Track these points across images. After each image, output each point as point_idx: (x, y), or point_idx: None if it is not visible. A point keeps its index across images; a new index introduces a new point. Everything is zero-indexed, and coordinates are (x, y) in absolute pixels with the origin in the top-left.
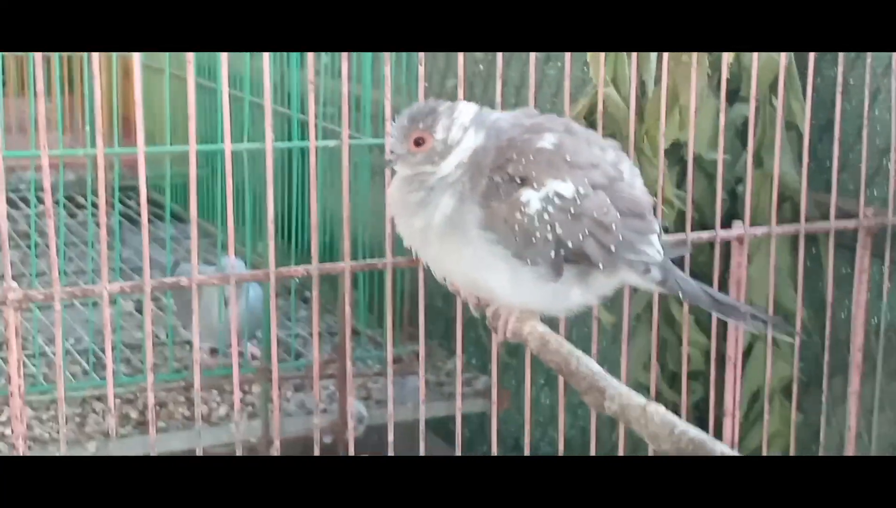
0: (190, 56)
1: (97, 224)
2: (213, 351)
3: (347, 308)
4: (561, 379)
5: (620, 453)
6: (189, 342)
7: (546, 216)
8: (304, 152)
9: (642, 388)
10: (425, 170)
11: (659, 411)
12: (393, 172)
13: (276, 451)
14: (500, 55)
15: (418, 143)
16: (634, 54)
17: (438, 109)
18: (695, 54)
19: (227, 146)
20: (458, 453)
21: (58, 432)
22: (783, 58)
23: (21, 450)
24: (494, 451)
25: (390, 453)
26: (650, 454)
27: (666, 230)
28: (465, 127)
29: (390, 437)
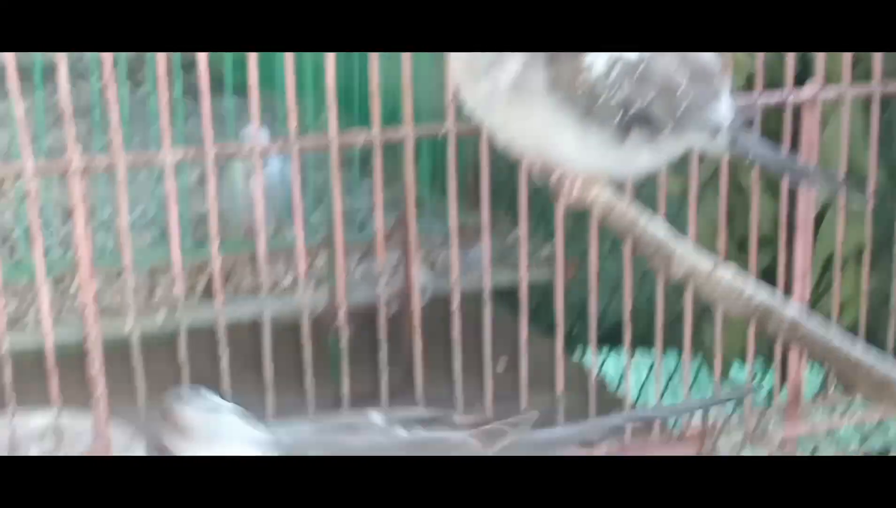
0: None
1: (159, 98)
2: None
3: (410, 177)
4: (627, 247)
5: (687, 321)
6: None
7: (612, 78)
8: None
9: (711, 254)
10: None
11: (727, 275)
12: None
13: (342, 320)
14: None
15: None
16: None
17: None
18: None
19: None
20: (524, 324)
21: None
22: None
23: (91, 318)
24: (560, 320)
25: (456, 322)
26: (718, 318)
27: (735, 92)
28: None
29: (455, 303)
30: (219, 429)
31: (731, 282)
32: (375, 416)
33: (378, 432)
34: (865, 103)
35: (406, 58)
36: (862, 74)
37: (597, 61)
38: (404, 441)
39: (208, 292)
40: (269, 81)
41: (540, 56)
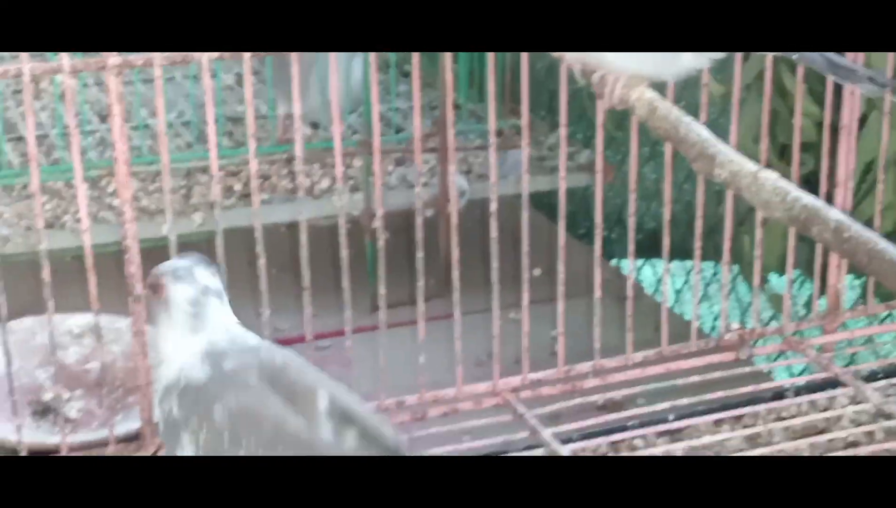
0: None
1: None
2: (314, 126)
3: (448, 79)
4: (667, 152)
5: (727, 226)
6: (290, 115)
7: None
8: None
9: (752, 159)
10: None
11: (771, 177)
12: None
13: (378, 222)
14: None
15: None
16: None
17: None
18: None
19: None
20: (561, 228)
21: (164, 202)
22: None
23: (129, 216)
24: (598, 225)
25: (493, 227)
26: (758, 221)
27: None
28: None
29: (493, 208)
30: (201, 312)
31: (776, 184)
32: (322, 404)
33: (305, 427)
34: None
35: None
36: None
37: None
38: (321, 447)
39: (245, 195)
40: None
41: None
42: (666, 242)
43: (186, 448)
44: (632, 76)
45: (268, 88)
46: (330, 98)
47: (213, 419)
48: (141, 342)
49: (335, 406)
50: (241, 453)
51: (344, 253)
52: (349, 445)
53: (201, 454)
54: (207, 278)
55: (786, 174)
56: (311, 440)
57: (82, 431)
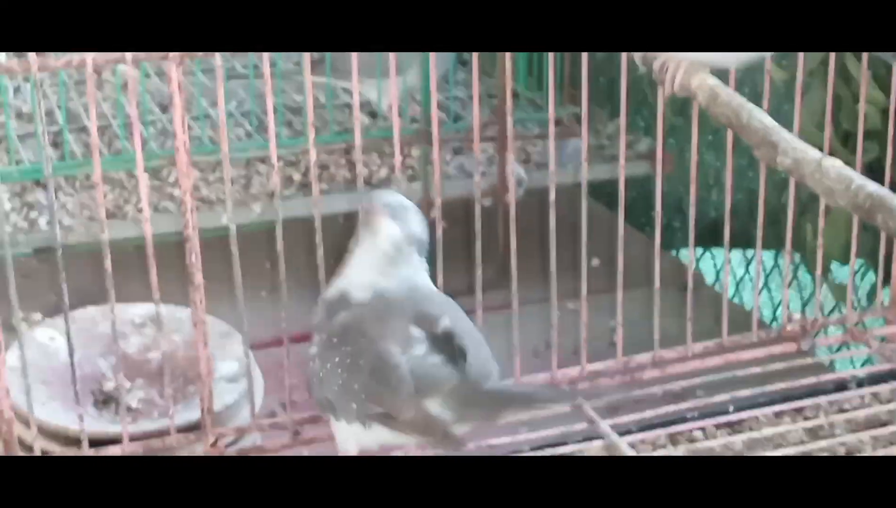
0: None
1: None
2: (373, 115)
3: (508, 66)
4: (728, 140)
5: (790, 215)
6: (349, 105)
7: None
8: None
9: (815, 147)
10: None
11: (835, 165)
12: None
13: (437, 212)
14: None
15: None
16: None
17: None
18: None
19: None
20: (621, 218)
21: (224, 192)
22: None
23: (189, 205)
24: (658, 214)
25: (552, 216)
26: (821, 210)
27: None
28: None
29: (552, 197)
30: (396, 257)
31: (840, 172)
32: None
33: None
34: None
35: None
36: None
37: None
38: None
39: (305, 185)
40: None
41: None
42: (727, 231)
43: (312, 348)
44: (693, 63)
45: (327, 77)
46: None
47: (332, 325)
48: (202, 331)
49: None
50: (336, 361)
51: None
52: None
53: (318, 358)
54: (417, 226)
55: (849, 162)
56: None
57: (143, 420)
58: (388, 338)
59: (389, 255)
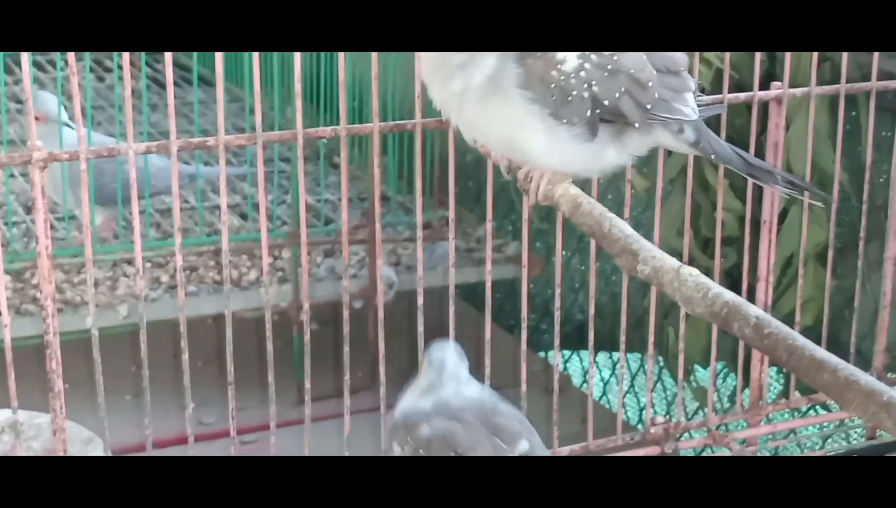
0: None
1: (125, 87)
2: (243, 216)
3: (377, 171)
4: (593, 244)
5: (651, 319)
6: (218, 206)
7: (583, 74)
8: None
9: (675, 253)
10: None
11: (692, 273)
12: None
13: (305, 315)
14: None
15: None
16: None
17: None
18: None
19: None
20: (488, 320)
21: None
22: None
23: (50, 311)
24: (524, 317)
25: (420, 319)
26: (682, 315)
27: (703, 91)
28: None
29: (420, 300)
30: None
31: (697, 281)
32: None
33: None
34: (831, 103)
35: (378, 59)
36: (828, 74)
37: (569, 57)
38: None
39: (172, 286)
40: (237, 73)
41: (512, 54)
42: (591, 334)
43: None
44: (556, 172)
45: (197, 179)
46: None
47: (417, 436)
48: (61, 439)
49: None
50: None
51: (270, 346)
52: None
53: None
54: (457, 364)
55: (709, 268)
56: None
57: None
58: (476, 450)
59: (442, 375)
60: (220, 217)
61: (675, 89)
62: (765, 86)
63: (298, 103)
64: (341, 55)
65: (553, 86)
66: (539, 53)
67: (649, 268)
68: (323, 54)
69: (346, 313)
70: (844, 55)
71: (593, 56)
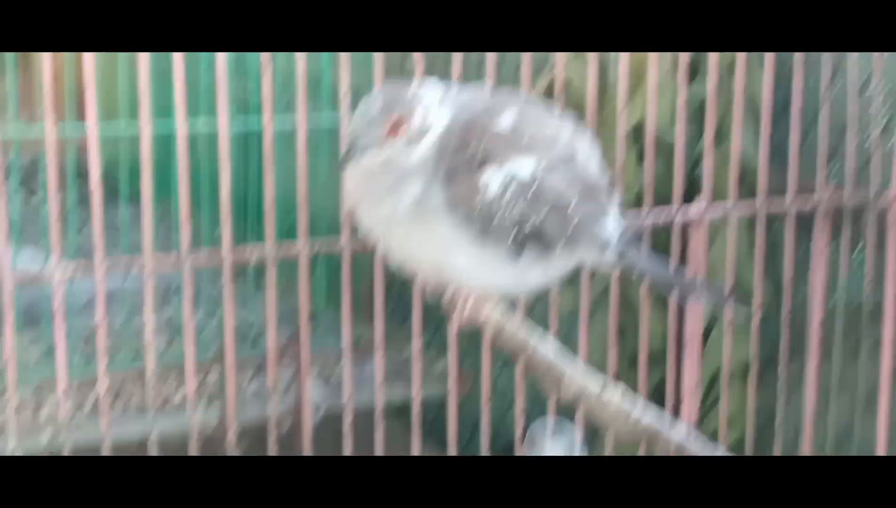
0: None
1: (51, 207)
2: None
3: (304, 293)
4: (519, 366)
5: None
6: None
7: (506, 197)
8: (260, 135)
9: (602, 370)
10: (401, 155)
11: (614, 398)
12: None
13: (232, 437)
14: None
15: (395, 128)
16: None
17: (411, 91)
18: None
19: (182, 127)
20: (416, 438)
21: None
22: None
23: None
24: (453, 436)
25: (347, 440)
26: (609, 438)
27: (625, 210)
28: (437, 107)
29: (347, 422)
30: None
31: (620, 404)
32: None
33: None
34: (751, 221)
35: (302, 173)
36: (747, 192)
37: (492, 181)
38: None
39: (97, 410)
40: (165, 190)
41: (438, 177)
42: (520, 451)
43: None
44: (481, 294)
45: (121, 301)
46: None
47: None
48: None
49: None
50: None
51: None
52: None
53: None
54: None
55: (635, 384)
56: None
57: None
58: None
59: None
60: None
61: (597, 210)
62: (685, 204)
63: (226, 226)
64: (268, 175)
65: (478, 209)
66: (463, 176)
67: (573, 391)
68: (251, 171)
69: (272, 436)
70: (761, 174)
71: (516, 179)
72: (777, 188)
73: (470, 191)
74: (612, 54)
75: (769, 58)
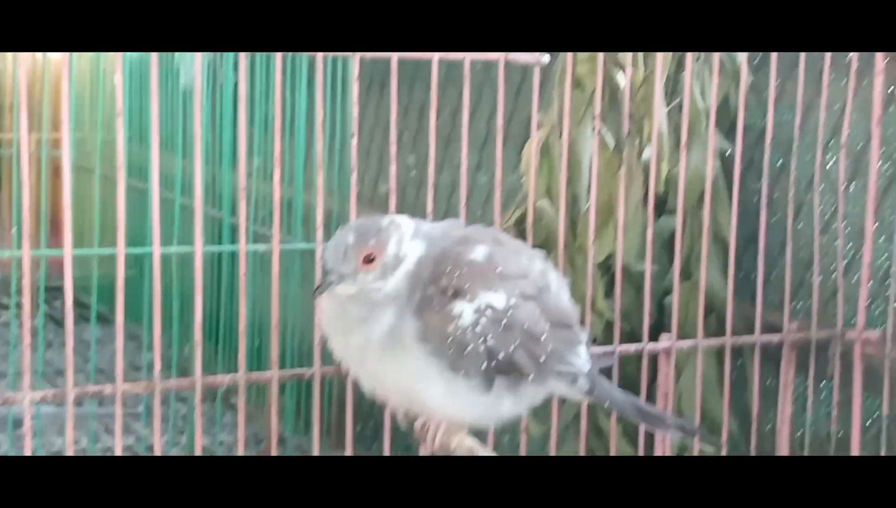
0: (121, 159)
1: (21, 326)
2: None
3: (274, 418)
4: None
5: None
6: (111, 448)
7: (478, 328)
8: (234, 256)
9: None
10: (374, 287)
11: None
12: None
13: None
14: (431, 161)
15: (368, 260)
16: (565, 162)
17: (384, 223)
18: (624, 168)
19: (156, 249)
20: None
21: None
22: (710, 170)
23: None
24: None
25: None
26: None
27: (594, 341)
28: (410, 239)
29: None
30: None
31: None
32: None
33: None
34: (718, 354)
35: (275, 300)
36: (714, 326)
37: (464, 312)
38: None
39: None
40: (136, 311)
41: (411, 308)
42: None
43: None
44: (452, 423)
45: (90, 422)
46: None
47: None
48: None
49: None
50: None
51: None
52: None
53: None
54: None
55: None
56: None
57: None
58: None
59: None
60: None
61: (567, 341)
62: (654, 337)
63: (198, 350)
64: (242, 299)
65: (450, 340)
66: (436, 308)
67: None
68: (223, 294)
69: None
70: (728, 308)
71: (488, 310)
72: (744, 321)
73: (442, 322)
74: (583, 189)
75: (735, 192)
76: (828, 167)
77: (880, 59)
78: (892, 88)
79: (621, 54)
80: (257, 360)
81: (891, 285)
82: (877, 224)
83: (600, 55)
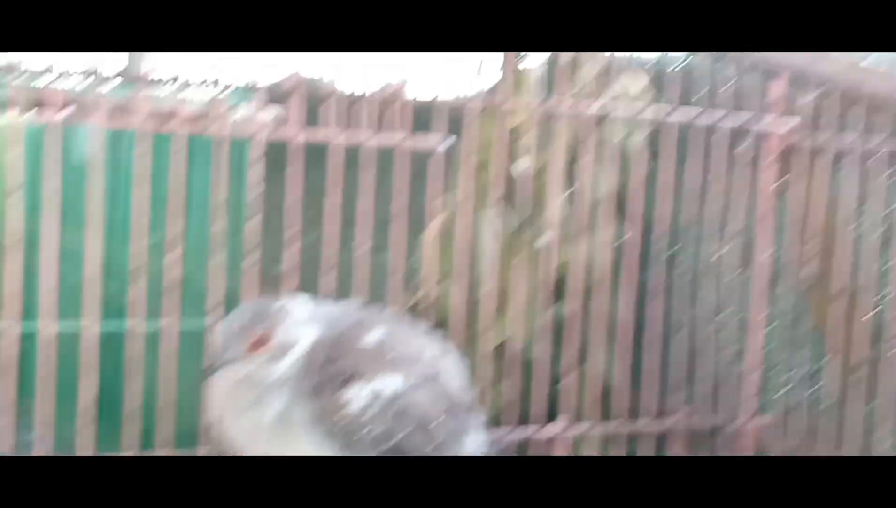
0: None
1: None
2: None
3: None
4: None
5: None
6: None
7: (370, 413)
8: (125, 335)
9: None
10: (263, 370)
11: None
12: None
13: None
14: (332, 240)
15: (259, 344)
16: (464, 246)
17: (276, 307)
18: (524, 257)
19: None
20: None
21: None
22: (605, 257)
23: None
24: None
25: None
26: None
27: (490, 425)
28: (303, 324)
29: None
30: None
31: None
32: None
33: None
34: (612, 439)
35: (171, 381)
36: (607, 411)
37: (357, 397)
38: None
39: None
40: (27, 388)
41: (303, 392)
42: None
43: None
44: None
45: None
46: None
47: None
48: None
49: None
50: None
51: None
52: None
53: None
54: None
55: None
56: None
57: None
58: None
59: None
60: None
61: (459, 427)
62: (549, 421)
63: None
64: (133, 378)
65: (341, 424)
66: (329, 392)
67: None
68: (118, 373)
69: None
70: (622, 394)
71: (380, 396)
72: (637, 406)
73: (334, 406)
74: (481, 273)
75: (627, 283)
76: (718, 256)
77: (768, 152)
78: (778, 182)
79: (522, 141)
80: (149, 441)
81: (780, 372)
82: (766, 313)
83: (500, 143)
